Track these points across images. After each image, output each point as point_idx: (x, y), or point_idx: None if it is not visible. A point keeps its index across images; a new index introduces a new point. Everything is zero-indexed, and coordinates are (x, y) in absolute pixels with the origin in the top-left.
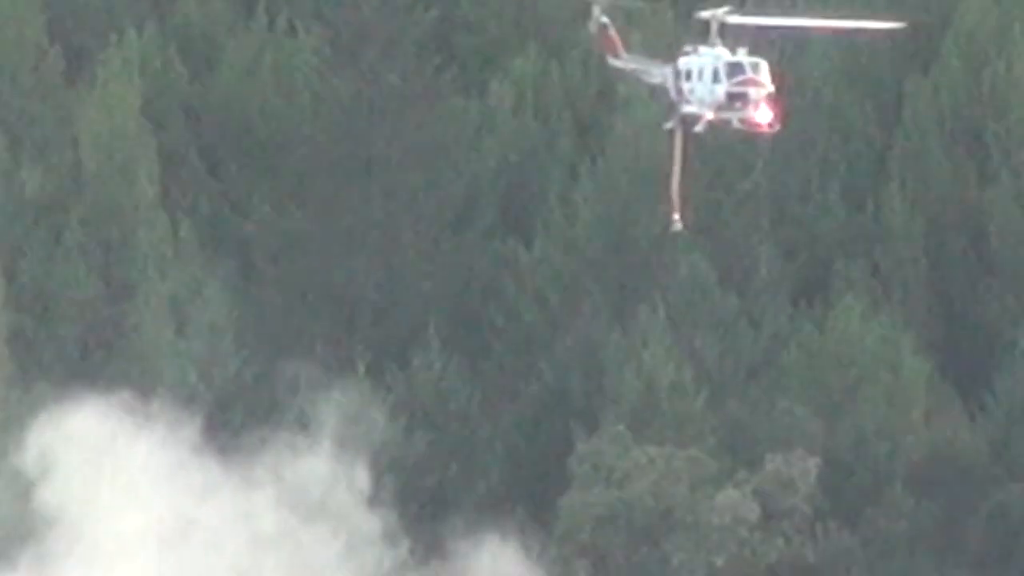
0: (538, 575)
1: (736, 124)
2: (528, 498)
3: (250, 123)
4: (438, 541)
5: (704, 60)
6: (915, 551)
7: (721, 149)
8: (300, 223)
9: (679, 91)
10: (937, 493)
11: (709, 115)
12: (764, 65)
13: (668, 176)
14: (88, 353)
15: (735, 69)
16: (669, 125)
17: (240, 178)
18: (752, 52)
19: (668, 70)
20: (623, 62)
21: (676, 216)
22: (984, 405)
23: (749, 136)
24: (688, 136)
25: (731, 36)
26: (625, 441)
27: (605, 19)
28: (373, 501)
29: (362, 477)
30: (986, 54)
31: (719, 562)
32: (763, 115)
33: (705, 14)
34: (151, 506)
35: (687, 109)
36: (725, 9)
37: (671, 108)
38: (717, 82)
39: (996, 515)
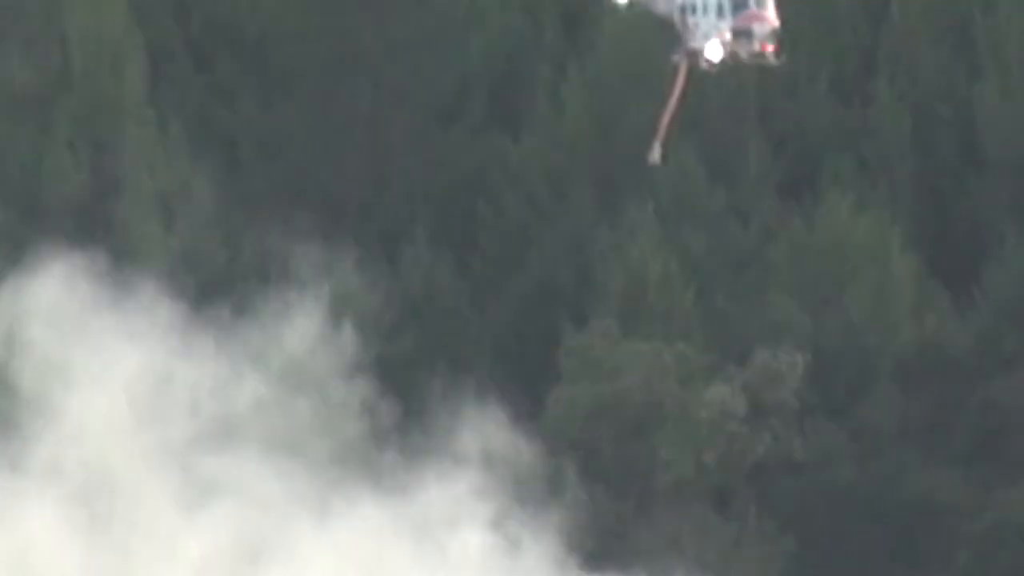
0: (527, 469)
1: (744, 57)
2: (516, 393)
3: (238, 19)
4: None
5: None
6: (903, 446)
7: None
8: (287, 119)
9: (684, 25)
10: (925, 388)
11: (716, 52)
12: (770, 0)
13: (662, 107)
14: (76, 248)
15: (739, 5)
16: (675, 58)
17: (228, 74)
18: None
19: (675, 1)
20: None
21: (658, 147)
22: (972, 299)
23: None
24: (692, 71)
25: None
26: (613, 335)
27: None
28: (356, 368)
29: (348, 346)
30: None
31: (707, 457)
32: (768, 48)
33: None
34: (132, 375)
35: (693, 44)
36: None
37: (678, 41)
38: (722, 17)
39: (984, 410)
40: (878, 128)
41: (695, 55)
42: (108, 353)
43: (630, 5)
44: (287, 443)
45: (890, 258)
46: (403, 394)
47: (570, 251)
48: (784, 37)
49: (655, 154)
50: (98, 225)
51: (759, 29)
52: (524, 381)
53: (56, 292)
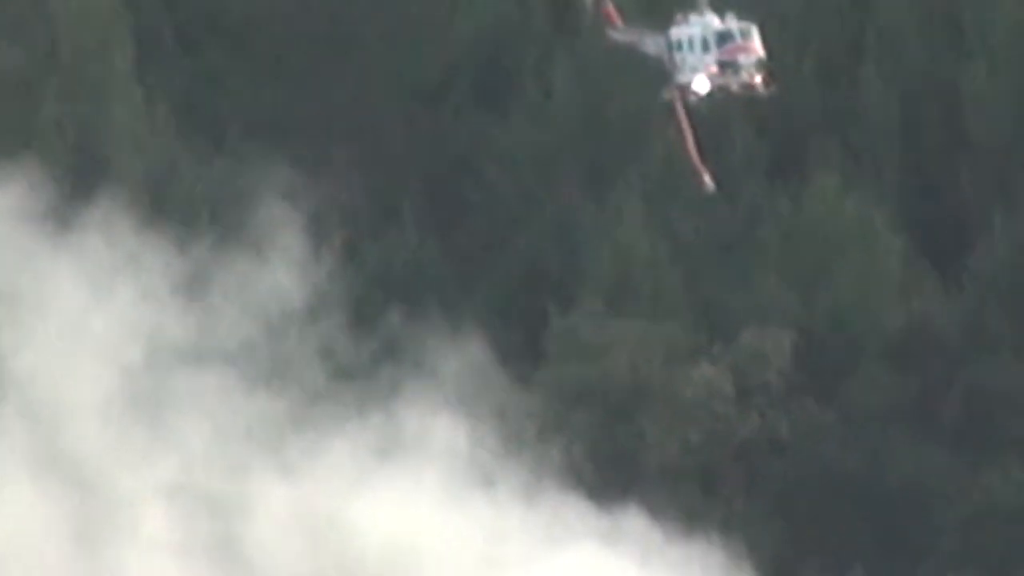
0: (514, 451)
1: (735, 88)
2: (503, 374)
3: (225, 1)
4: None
5: (694, 30)
6: (889, 426)
7: None
8: (274, 101)
9: (672, 61)
10: (912, 368)
11: (703, 85)
12: (754, 30)
13: (684, 147)
14: None
15: (724, 38)
16: (667, 96)
17: (215, 56)
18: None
19: (661, 40)
20: (620, 34)
21: (707, 179)
22: (959, 281)
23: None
24: (687, 104)
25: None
26: (600, 317)
27: None
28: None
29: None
30: None
31: (694, 437)
32: (755, 78)
33: None
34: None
35: (681, 79)
36: None
37: (668, 79)
38: (707, 51)
39: (971, 390)
40: (865, 110)
41: (684, 89)
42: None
43: (621, 44)
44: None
45: (877, 239)
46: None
47: (557, 233)
48: (771, 66)
49: (708, 184)
50: None
51: (744, 60)
52: (511, 362)
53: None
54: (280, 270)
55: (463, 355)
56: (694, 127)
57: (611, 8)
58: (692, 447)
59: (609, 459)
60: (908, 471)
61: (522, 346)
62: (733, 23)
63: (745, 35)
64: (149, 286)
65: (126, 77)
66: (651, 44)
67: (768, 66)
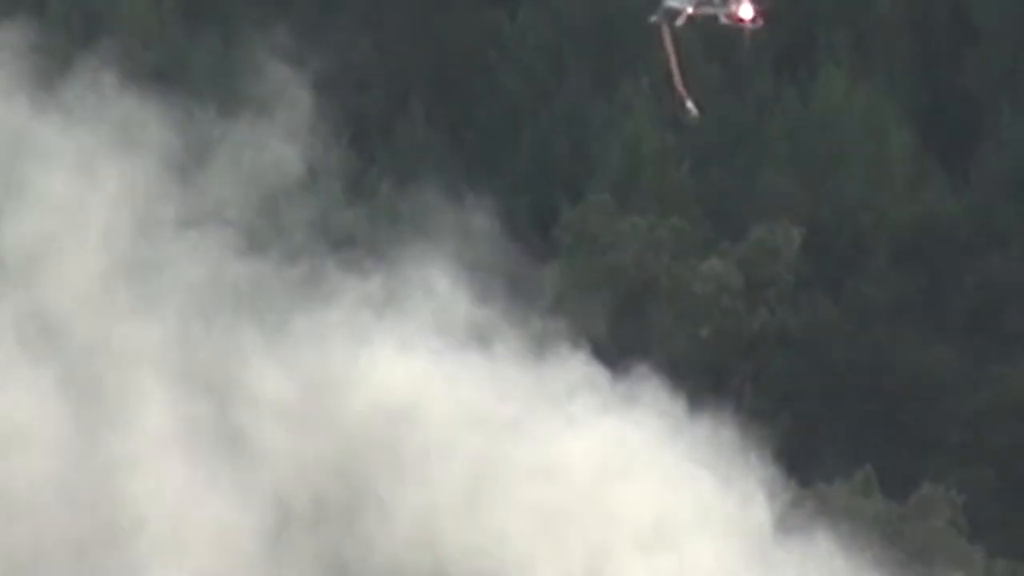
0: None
1: (723, 20)
2: (516, 282)
3: None
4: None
5: None
6: (898, 321)
7: None
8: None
9: None
10: (920, 263)
11: (690, 9)
12: None
13: (669, 72)
14: None
15: None
16: (654, 19)
17: None
18: None
19: None
20: None
21: (690, 104)
22: (968, 174)
23: None
24: (674, 29)
25: None
26: (609, 210)
27: None
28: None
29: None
30: None
31: (703, 331)
32: (745, 10)
33: None
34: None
35: (670, 3)
36: None
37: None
38: None
39: (979, 285)
40: (873, 3)
41: (671, 14)
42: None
43: None
44: None
45: (886, 133)
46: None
47: (565, 126)
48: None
49: (692, 111)
50: None
51: None
52: (519, 254)
53: None
54: (284, 142)
55: (470, 223)
56: (679, 53)
57: None
58: (701, 342)
59: (617, 353)
60: (916, 365)
61: (531, 239)
62: None
63: None
64: (144, 157)
65: None
66: None
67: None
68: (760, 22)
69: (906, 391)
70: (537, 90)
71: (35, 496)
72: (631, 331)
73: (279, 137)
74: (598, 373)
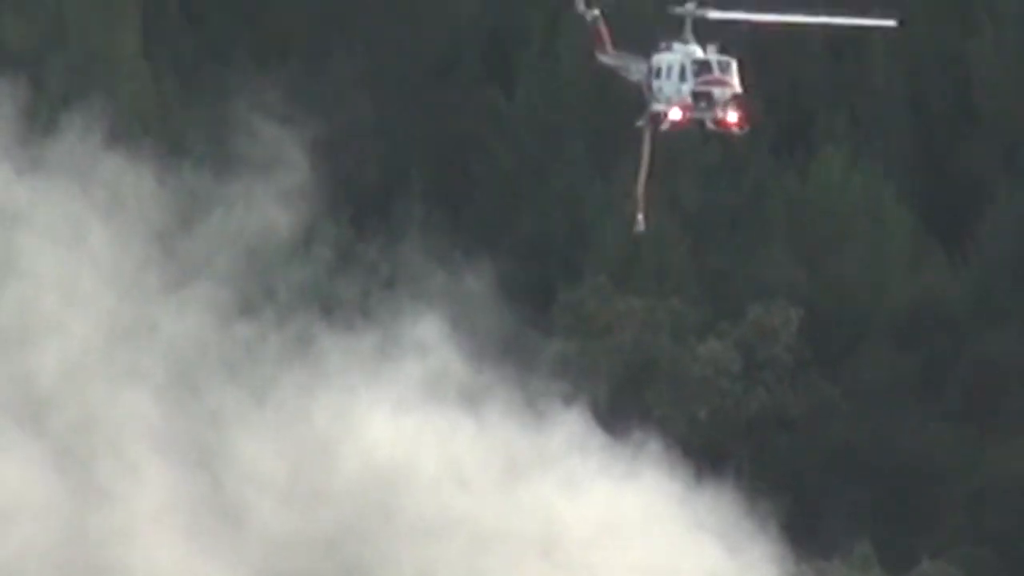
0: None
1: (709, 125)
2: (510, 349)
3: None
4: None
5: (674, 57)
6: (897, 402)
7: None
8: (281, 75)
9: (650, 88)
10: (919, 343)
11: (676, 115)
12: (733, 64)
13: (634, 176)
14: None
15: (703, 68)
16: (640, 123)
17: (221, 29)
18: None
19: (644, 66)
20: (609, 58)
21: (640, 216)
22: (966, 254)
23: None
24: (657, 135)
25: (709, 30)
26: (607, 291)
27: (596, 12)
28: None
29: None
30: None
31: (701, 413)
32: (730, 116)
33: (679, 9)
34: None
35: (656, 107)
36: (697, 4)
37: (644, 106)
38: (684, 80)
39: (978, 365)
40: (872, 83)
41: (658, 117)
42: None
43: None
44: None
45: (884, 213)
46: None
47: (563, 206)
48: (748, 103)
49: (639, 224)
50: None
51: (719, 93)
52: (518, 337)
53: None
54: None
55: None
56: (652, 161)
57: (602, 29)
58: (699, 423)
59: (616, 425)
60: (915, 445)
61: (529, 321)
62: (713, 54)
63: (723, 68)
64: (133, 221)
65: (133, 51)
66: (635, 70)
67: (745, 105)
68: (747, 127)
69: (905, 470)
70: (535, 169)
71: (27, 567)
72: (629, 411)
73: (272, 200)
74: (595, 436)
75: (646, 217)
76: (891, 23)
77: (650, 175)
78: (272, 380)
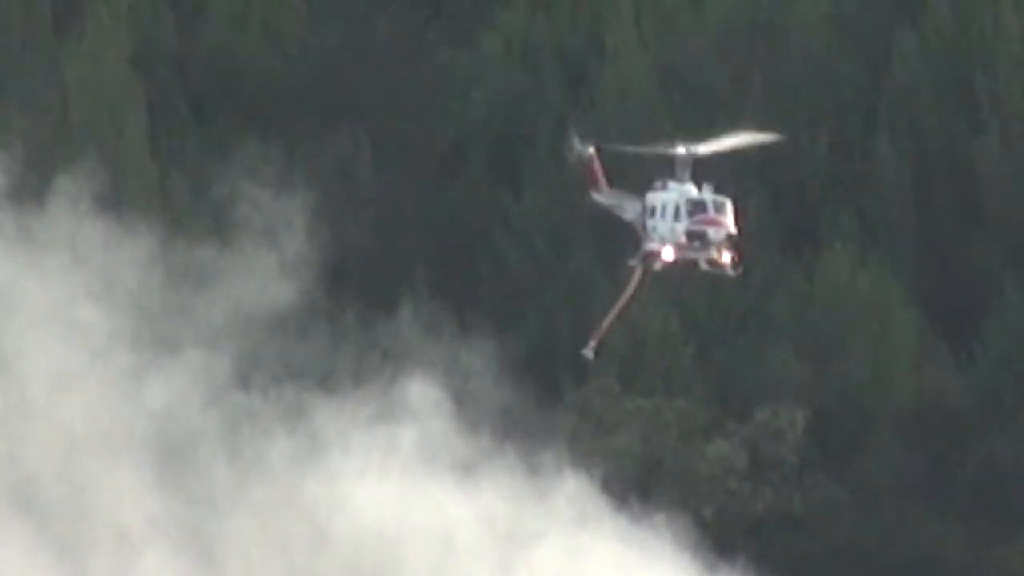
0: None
1: (703, 265)
2: (516, 448)
3: (237, 72)
4: None
5: (669, 196)
6: (904, 502)
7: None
8: (286, 173)
9: (644, 227)
10: (926, 443)
11: (669, 255)
12: (728, 204)
13: (608, 307)
14: None
15: (697, 207)
16: (632, 262)
17: (227, 127)
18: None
19: (638, 205)
20: (603, 197)
21: (592, 344)
22: (973, 354)
23: (735, 83)
24: (647, 275)
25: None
26: (614, 392)
27: (591, 150)
28: None
29: None
30: (974, 5)
31: (707, 513)
32: (724, 256)
33: (672, 150)
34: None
35: (650, 246)
36: (687, 146)
37: (639, 245)
38: (678, 220)
39: (985, 465)
40: (878, 182)
41: (651, 256)
42: None
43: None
44: None
45: (891, 312)
46: None
47: (570, 307)
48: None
49: (589, 350)
50: None
51: (714, 233)
52: (524, 437)
53: None
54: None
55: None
56: (632, 302)
57: (597, 168)
58: (706, 523)
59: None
60: (923, 546)
61: (535, 420)
62: (708, 194)
63: (718, 208)
64: (121, 295)
65: (139, 148)
66: (629, 209)
67: (739, 246)
68: (740, 269)
69: (911, 569)
70: (542, 270)
71: None
72: (635, 513)
73: (267, 270)
74: (597, 506)
75: (598, 347)
76: (773, 137)
77: (626, 311)
78: (266, 454)
